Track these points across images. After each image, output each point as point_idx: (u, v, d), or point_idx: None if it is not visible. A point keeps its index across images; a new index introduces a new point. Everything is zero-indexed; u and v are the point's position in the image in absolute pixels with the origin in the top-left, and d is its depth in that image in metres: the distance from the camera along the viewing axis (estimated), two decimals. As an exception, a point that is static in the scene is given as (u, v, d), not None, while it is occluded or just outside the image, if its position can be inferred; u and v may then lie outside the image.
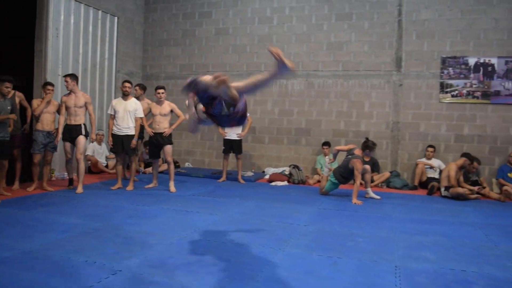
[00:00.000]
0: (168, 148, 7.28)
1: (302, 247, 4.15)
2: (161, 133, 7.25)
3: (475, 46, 8.51)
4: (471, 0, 8.48)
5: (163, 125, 7.27)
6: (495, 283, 3.33)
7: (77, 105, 6.74)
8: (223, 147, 8.45)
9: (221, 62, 10.12)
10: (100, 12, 9.15)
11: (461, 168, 7.65)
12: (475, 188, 7.56)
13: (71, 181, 7.10)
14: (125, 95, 7.09)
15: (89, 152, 8.69)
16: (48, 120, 6.83)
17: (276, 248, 4.06)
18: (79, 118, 6.79)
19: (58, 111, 6.97)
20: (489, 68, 8.42)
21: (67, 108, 6.77)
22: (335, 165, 7.86)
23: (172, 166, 7.29)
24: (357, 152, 7.19)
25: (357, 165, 6.86)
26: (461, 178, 7.69)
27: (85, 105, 6.82)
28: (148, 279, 3.17)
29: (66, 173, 7.69)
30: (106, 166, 9.03)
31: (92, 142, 8.23)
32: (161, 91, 7.22)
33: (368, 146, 7.34)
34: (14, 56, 8.72)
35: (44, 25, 7.80)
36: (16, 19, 8.46)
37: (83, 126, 6.81)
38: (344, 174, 7.13)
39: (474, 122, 8.56)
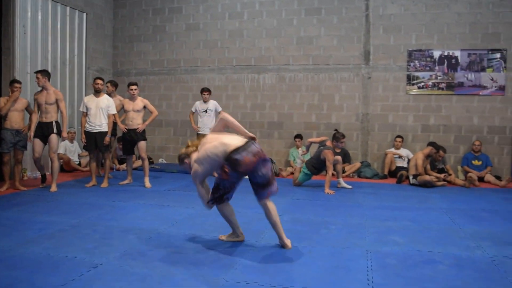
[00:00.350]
0: (142, 144, 7.30)
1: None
2: (135, 129, 7.26)
3: (439, 39, 8.83)
4: (434, -6, 8.81)
5: (136, 121, 7.29)
6: (458, 262, 3.54)
7: (48, 102, 6.58)
8: (197, 142, 8.48)
9: (192, 58, 10.16)
10: (68, 8, 9.05)
11: (427, 156, 7.95)
12: (442, 176, 7.88)
13: (44, 178, 6.97)
14: (97, 92, 7.05)
15: (61, 151, 8.60)
16: (16, 118, 6.72)
17: (253, 238, 4.18)
18: (50, 116, 6.63)
19: (27, 108, 6.87)
20: (453, 61, 8.76)
21: (38, 105, 6.65)
22: (307, 156, 8.04)
23: (146, 162, 7.31)
24: (329, 143, 7.38)
25: (328, 156, 7.05)
26: (428, 166, 8.00)
27: (56, 102, 6.69)
28: (129, 271, 3.24)
29: (38, 172, 7.60)
30: (79, 164, 8.97)
31: (64, 140, 8.12)
32: (134, 87, 7.23)
33: (335, 137, 7.50)
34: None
35: (11, 22, 7.68)
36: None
37: (54, 124, 6.67)
38: (316, 165, 7.32)
39: (440, 112, 8.89)
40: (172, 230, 4.45)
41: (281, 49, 9.63)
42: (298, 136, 9.25)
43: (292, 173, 8.75)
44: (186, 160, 3.94)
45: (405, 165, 8.64)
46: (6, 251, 3.65)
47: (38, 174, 7.72)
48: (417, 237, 4.27)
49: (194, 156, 3.87)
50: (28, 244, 3.84)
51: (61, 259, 3.47)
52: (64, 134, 6.91)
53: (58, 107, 6.70)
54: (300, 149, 8.86)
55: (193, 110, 8.53)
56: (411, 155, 8.61)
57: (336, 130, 8.06)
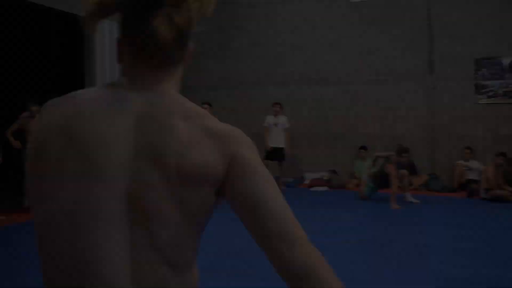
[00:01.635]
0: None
1: (342, 252, 4.42)
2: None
3: (509, 46, 8.50)
4: (498, 1, 8.49)
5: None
6: (529, 288, 3.51)
7: None
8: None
9: (256, 72, 10.42)
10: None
11: (498, 167, 7.67)
12: (515, 190, 7.58)
13: None
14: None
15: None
16: None
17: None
18: None
19: None
20: (525, 68, 8.41)
21: None
22: (374, 170, 8.05)
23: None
24: (394, 159, 7.35)
25: (391, 170, 7.05)
26: (501, 180, 7.71)
27: None
28: None
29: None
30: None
31: None
32: (205, 106, 7.62)
33: (397, 151, 7.36)
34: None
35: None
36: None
37: None
38: (381, 179, 7.33)
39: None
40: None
41: (342, 61, 9.70)
42: (363, 148, 9.25)
43: (357, 186, 8.78)
44: None
45: (476, 177, 8.37)
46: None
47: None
48: (485, 260, 4.23)
49: None
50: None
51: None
52: None
53: None
54: (366, 162, 8.84)
55: (266, 125, 8.56)
56: (482, 167, 8.34)
57: (399, 144, 7.99)
